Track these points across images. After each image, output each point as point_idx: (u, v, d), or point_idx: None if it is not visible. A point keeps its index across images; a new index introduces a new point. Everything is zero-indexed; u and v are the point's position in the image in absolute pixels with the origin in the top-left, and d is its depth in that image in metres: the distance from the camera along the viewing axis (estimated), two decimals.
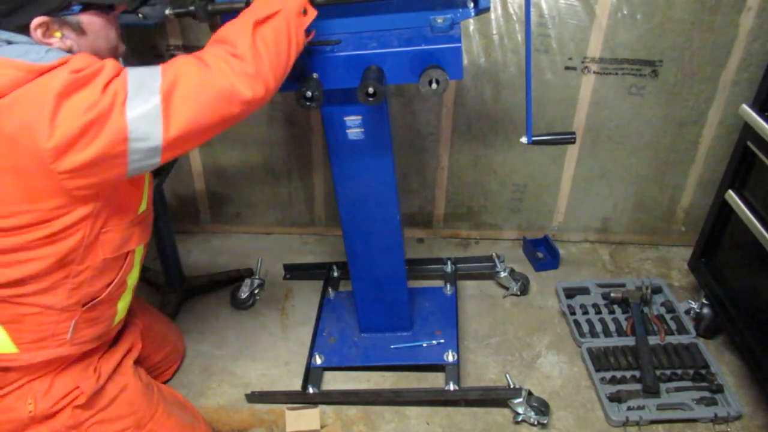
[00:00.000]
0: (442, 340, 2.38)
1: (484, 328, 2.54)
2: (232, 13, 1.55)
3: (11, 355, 1.60)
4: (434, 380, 2.35)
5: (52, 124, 1.30)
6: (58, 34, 1.45)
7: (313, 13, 1.55)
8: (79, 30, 1.49)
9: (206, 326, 2.60)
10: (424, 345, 2.37)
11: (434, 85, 1.61)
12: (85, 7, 1.47)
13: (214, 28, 1.62)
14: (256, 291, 2.67)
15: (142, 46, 2.57)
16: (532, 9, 2.04)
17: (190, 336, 2.53)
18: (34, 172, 1.35)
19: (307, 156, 2.82)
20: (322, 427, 2.19)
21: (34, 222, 1.44)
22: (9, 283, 1.51)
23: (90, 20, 1.50)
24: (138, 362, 1.98)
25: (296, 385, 2.33)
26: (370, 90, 1.57)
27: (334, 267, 2.82)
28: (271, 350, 2.50)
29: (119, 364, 1.87)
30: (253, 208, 3.04)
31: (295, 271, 2.86)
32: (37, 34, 1.42)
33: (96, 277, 1.63)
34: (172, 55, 2.58)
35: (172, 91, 1.37)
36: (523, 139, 2.01)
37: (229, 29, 1.47)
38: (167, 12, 1.54)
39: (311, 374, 2.32)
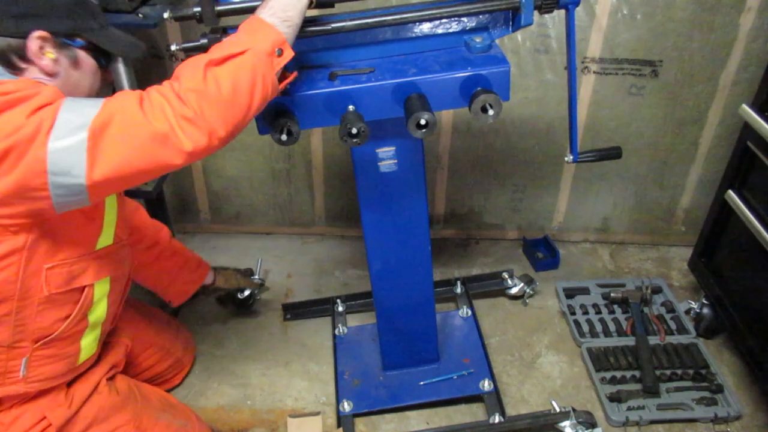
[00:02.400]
0: (472, 369, 2.30)
1: (483, 328, 2.53)
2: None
3: None
4: (468, 409, 2.27)
5: None
6: (51, 55, 1.41)
7: (289, 54, 1.37)
8: (74, 61, 1.46)
9: (206, 326, 2.60)
10: (455, 377, 2.28)
11: (490, 111, 1.51)
12: (88, 46, 1.47)
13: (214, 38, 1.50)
14: (256, 291, 2.67)
15: None
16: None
17: None
18: None
19: (307, 156, 2.82)
20: None
21: None
22: None
23: (86, 59, 1.48)
24: (132, 372, 1.96)
25: (296, 385, 2.34)
26: (422, 121, 1.48)
27: (338, 301, 2.64)
28: (271, 350, 2.50)
29: (96, 385, 1.79)
30: (253, 208, 3.04)
31: (296, 310, 2.66)
32: (33, 46, 1.38)
33: (43, 312, 1.54)
34: (172, 56, 2.59)
35: (104, 128, 1.25)
36: (568, 158, 1.93)
37: (184, 64, 1.33)
38: (165, 15, 1.50)
39: (343, 423, 2.17)
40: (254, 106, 1.34)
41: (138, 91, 1.30)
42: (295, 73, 1.47)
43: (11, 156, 1.23)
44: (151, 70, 2.60)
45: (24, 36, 1.37)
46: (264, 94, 1.35)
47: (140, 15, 2.09)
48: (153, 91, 1.30)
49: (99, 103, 1.28)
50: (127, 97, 1.29)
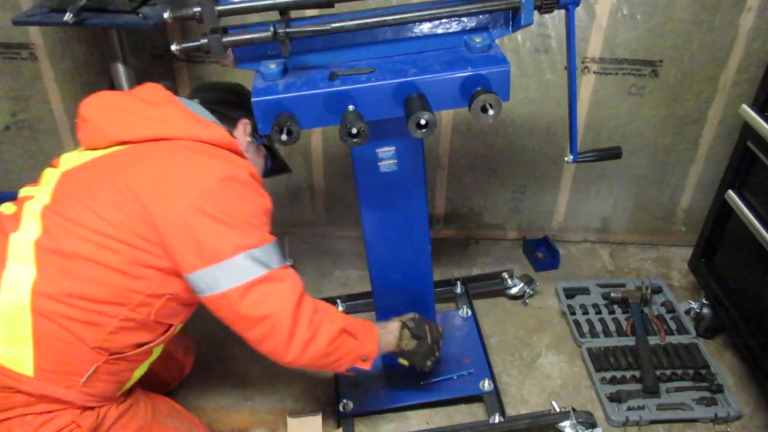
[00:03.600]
0: (472, 369, 2.29)
1: (483, 328, 2.53)
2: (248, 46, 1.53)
3: (24, 377, 1.51)
4: (468, 409, 2.27)
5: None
6: (249, 139, 1.82)
7: (368, 365, 1.81)
8: (257, 148, 1.88)
9: (206, 326, 2.59)
10: (455, 377, 2.27)
11: (490, 111, 1.50)
12: (265, 143, 1.92)
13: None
14: None
15: (142, 46, 2.58)
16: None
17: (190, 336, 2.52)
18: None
19: (307, 155, 2.82)
20: None
21: (131, 246, 1.53)
22: (72, 296, 1.51)
23: (262, 150, 1.92)
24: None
25: (296, 385, 2.34)
26: (422, 121, 1.47)
27: (338, 301, 2.62)
28: None
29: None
30: None
31: None
32: (240, 126, 1.80)
33: (134, 331, 1.61)
34: (172, 56, 2.58)
35: (267, 282, 1.56)
36: (568, 158, 1.94)
37: (331, 313, 1.71)
38: (166, 15, 1.50)
39: (343, 423, 2.18)
40: (321, 368, 1.79)
41: (300, 291, 1.63)
42: (367, 366, 1.81)
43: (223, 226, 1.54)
44: (151, 70, 2.60)
45: (237, 119, 1.80)
46: (336, 368, 1.76)
47: (140, 15, 2.09)
48: (309, 310, 1.63)
49: (288, 268, 1.63)
50: (296, 287, 1.62)
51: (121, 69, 2.30)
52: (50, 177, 1.64)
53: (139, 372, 1.75)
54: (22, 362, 1.51)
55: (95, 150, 1.65)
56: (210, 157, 1.59)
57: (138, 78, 2.37)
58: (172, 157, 1.57)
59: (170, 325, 1.70)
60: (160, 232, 1.51)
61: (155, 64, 2.62)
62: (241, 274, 1.53)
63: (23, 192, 1.69)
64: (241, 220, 1.54)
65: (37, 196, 1.61)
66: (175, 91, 2.37)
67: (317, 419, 2.19)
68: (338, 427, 2.17)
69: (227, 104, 1.81)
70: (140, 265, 1.54)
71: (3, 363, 1.50)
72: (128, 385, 1.75)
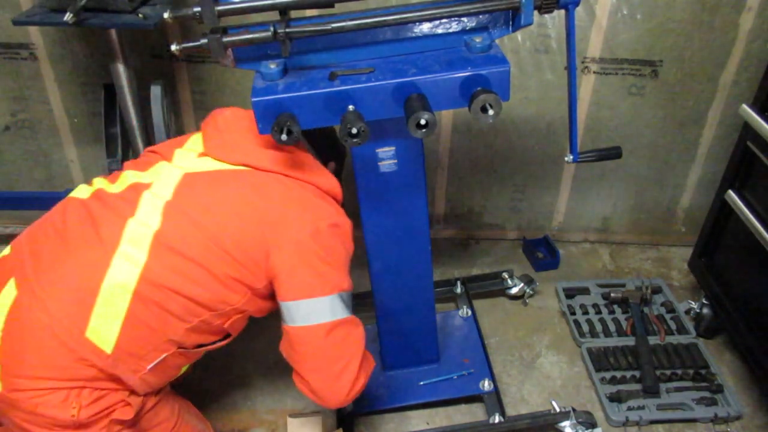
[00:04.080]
0: (472, 369, 2.30)
1: (483, 328, 2.53)
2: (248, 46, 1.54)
3: (101, 352, 1.56)
4: (467, 409, 2.28)
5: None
6: None
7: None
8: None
9: None
10: (455, 377, 2.28)
11: (490, 111, 1.49)
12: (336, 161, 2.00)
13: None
14: None
15: (142, 46, 2.58)
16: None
17: None
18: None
19: None
20: None
21: (239, 264, 1.63)
22: (173, 291, 1.59)
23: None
24: None
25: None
26: (422, 121, 1.46)
27: None
28: (272, 350, 2.48)
29: None
30: None
31: None
32: (329, 166, 1.90)
33: (205, 333, 1.71)
34: (172, 56, 2.59)
35: (347, 324, 1.71)
36: (568, 158, 1.94)
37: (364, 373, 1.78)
38: (166, 15, 1.50)
39: (343, 423, 2.18)
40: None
41: (362, 350, 1.75)
42: None
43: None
44: (151, 70, 2.60)
45: (328, 162, 1.93)
46: None
47: (140, 15, 2.09)
48: (371, 362, 1.81)
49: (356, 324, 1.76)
50: (363, 337, 1.76)
51: (121, 69, 2.30)
52: (167, 171, 1.71)
53: (185, 368, 1.84)
54: (107, 338, 1.56)
55: (217, 161, 1.72)
56: (322, 203, 1.72)
57: (138, 78, 2.37)
58: (293, 195, 1.69)
59: (230, 335, 1.80)
60: (271, 260, 1.64)
61: (155, 64, 2.62)
62: (331, 312, 1.66)
63: (131, 174, 1.74)
64: (340, 263, 1.69)
65: (156, 187, 1.67)
66: (170, 90, 2.39)
67: (317, 419, 2.19)
68: (338, 426, 2.17)
69: (326, 147, 1.92)
70: (241, 282, 1.65)
71: (88, 335, 1.55)
72: (175, 377, 1.83)
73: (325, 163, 1.89)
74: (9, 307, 1.56)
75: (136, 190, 1.67)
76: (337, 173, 1.97)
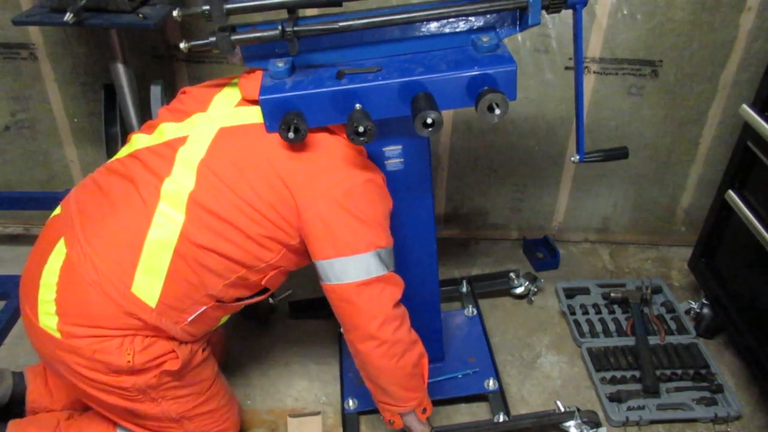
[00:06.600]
0: (477, 369, 2.30)
1: None
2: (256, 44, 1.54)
3: (147, 307, 1.64)
4: (467, 409, 2.27)
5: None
6: None
7: (424, 417, 1.94)
8: None
9: None
10: (460, 376, 2.28)
11: (497, 111, 1.51)
12: None
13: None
14: (288, 292, 2.64)
15: (142, 46, 2.57)
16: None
17: None
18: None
19: None
20: None
21: (272, 223, 1.66)
22: (210, 250, 1.64)
23: None
24: None
25: (296, 385, 2.34)
26: (429, 120, 1.47)
27: None
28: (272, 350, 2.49)
29: None
30: None
31: (304, 310, 2.64)
32: None
33: (242, 287, 1.76)
34: (172, 56, 2.59)
35: (382, 284, 1.70)
36: (575, 158, 1.94)
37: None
38: (175, 13, 1.50)
39: (347, 420, 2.19)
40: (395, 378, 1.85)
41: (397, 307, 1.75)
42: (422, 419, 1.94)
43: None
44: (151, 70, 2.60)
45: None
46: (404, 387, 1.86)
47: (140, 15, 2.09)
48: (404, 329, 1.79)
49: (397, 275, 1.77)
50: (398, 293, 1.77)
51: (121, 69, 2.30)
52: (202, 125, 1.71)
53: (224, 319, 1.90)
54: (151, 293, 1.63)
55: (251, 106, 1.70)
56: (356, 158, 1.69)
57: (138, 78, 2.37)
58: (324, 154, 1.66)
59: (267, 289, 1.84)
60: (303, 220, 1.64)
61: (155, 64, 2.61)
62: (366, 270, 1.66)
63: (167, 126, 1.75)
64: (375, 220, 1.68)
65: (191, 144, 1.69)
66: (170, 90, 2.39)
67: (317, 419, 2.19)
68: (343, 424, 2.17)
69: None
70: (274, 240, 1.68)
71: (133, 290, 1.62)
72: (215, 326, 1.90)
73: None
74: (62, 263, 1.64)
75: (172, 147, 1.69)
76: None
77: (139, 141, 1.75)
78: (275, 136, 1.61)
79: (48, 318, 1.64)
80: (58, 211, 1.76)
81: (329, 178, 1.64)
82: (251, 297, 1.82)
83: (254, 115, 1.67)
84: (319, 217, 1.63)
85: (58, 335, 1.63)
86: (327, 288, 1.71)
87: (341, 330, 1.91)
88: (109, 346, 1.63)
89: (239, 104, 1.72)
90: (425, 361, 1.86)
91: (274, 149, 1.64)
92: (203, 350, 1.87)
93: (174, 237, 1.61)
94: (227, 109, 1.72)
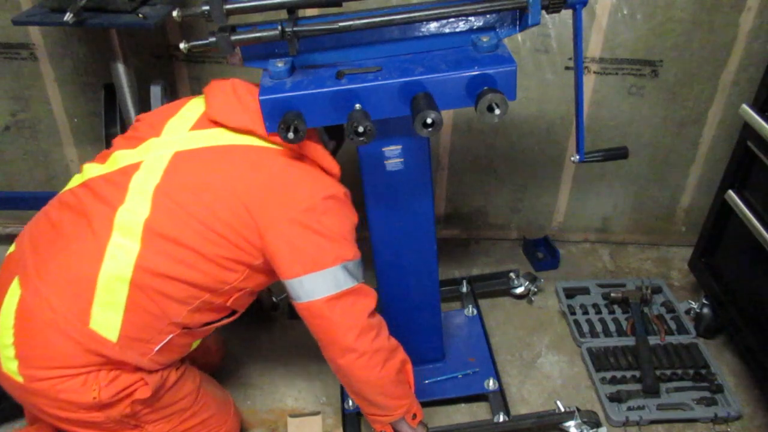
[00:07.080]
0: (477, 368, 2.30)
1: None
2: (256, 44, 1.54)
3: (108, 342, 1.60)
4: (467, 409, 2.27)
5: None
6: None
7: (415, 423, 1.92)
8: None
9: None
10: (460, 376, 2.28)
11: (496, 111, 1.50)
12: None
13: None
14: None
15: (142, 46, 2.57)
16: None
17: None
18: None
19: None
20: None
21: (233, 245, 1.63)
22: (170, 277, 1.60)
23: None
24: None
25: (296, 385, 2.34)
26: (429, 120, 1.46)
27: None
28: (272, 350, 2.49)
29: None
30: None
31: None
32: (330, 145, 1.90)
33: (209, 312, 1.73)
34: (172, 56, 2.58)
35: (348, 297, 1.67)
36: (575, 158, 1.94)
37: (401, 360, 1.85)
38: (174, 14, 1.50)
39: (347, 420, 2.19)
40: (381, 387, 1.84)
41: (372, 317, 1.74)
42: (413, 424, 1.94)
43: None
44: (151, 70, 2.60)
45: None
46: (391, 396, 1.85)
47: (140, 15, 2.09)
48: (382, 337, 1.77)
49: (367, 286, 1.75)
50: (372, 304, 1.74)
51: (121, 69, 2.30)
52: (156, 150, 1.68)
53: (195, 344, 1.86)
54: (110, 328, 1.59)
55: (214, 127, 1.69)
56: (317, 176, 1.70)
57: (138, 78, 2.37)
58: (282, 173, 1.65)
59: (235, 311, 1.81)
60: (265, 241, 1.62)
61: (155, 64, 2.61)
62: (335, 284, 1.64)
63: (121, 154, 1.71)
64: (340, 234, 1.66)
65: (145, 170, 1.65)
66: (168, 91, 2.39)
67: (317, 419, 2.19)
68: (342, 425, 2.17)
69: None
70: (237, 261, 1.65)
71: (92, 326, 1.58)
72: (187, 353, 1.85)
73: (329, 138, 1.89)
74: (16, 305, 1.60)
75: (126, 173, 1.65)
76: (334, 152, 1.93)
77: (90, 170, 1.72)
78: (232, 158, 1.62)
79: (9, 362, 1.60)
80: (12, 248, 1.73)
81: (289, 198, 1.63)
82: (220, 320, 1.79)
83: (209, 138, 1.67)
84: (282, 238, 1.62)
85: (20, 379, 1.60)
86: (299, 307, 1.69)
87: None
88: (72, 385, 1.59)
89: (194, 128, 1.71)
90: (409, 366, 1.86)
91: (231, 171, 1.63)
92: (177, 369, 1.82)
93: (129, 269, 1.57)
94: (181, 133, 1.71)
